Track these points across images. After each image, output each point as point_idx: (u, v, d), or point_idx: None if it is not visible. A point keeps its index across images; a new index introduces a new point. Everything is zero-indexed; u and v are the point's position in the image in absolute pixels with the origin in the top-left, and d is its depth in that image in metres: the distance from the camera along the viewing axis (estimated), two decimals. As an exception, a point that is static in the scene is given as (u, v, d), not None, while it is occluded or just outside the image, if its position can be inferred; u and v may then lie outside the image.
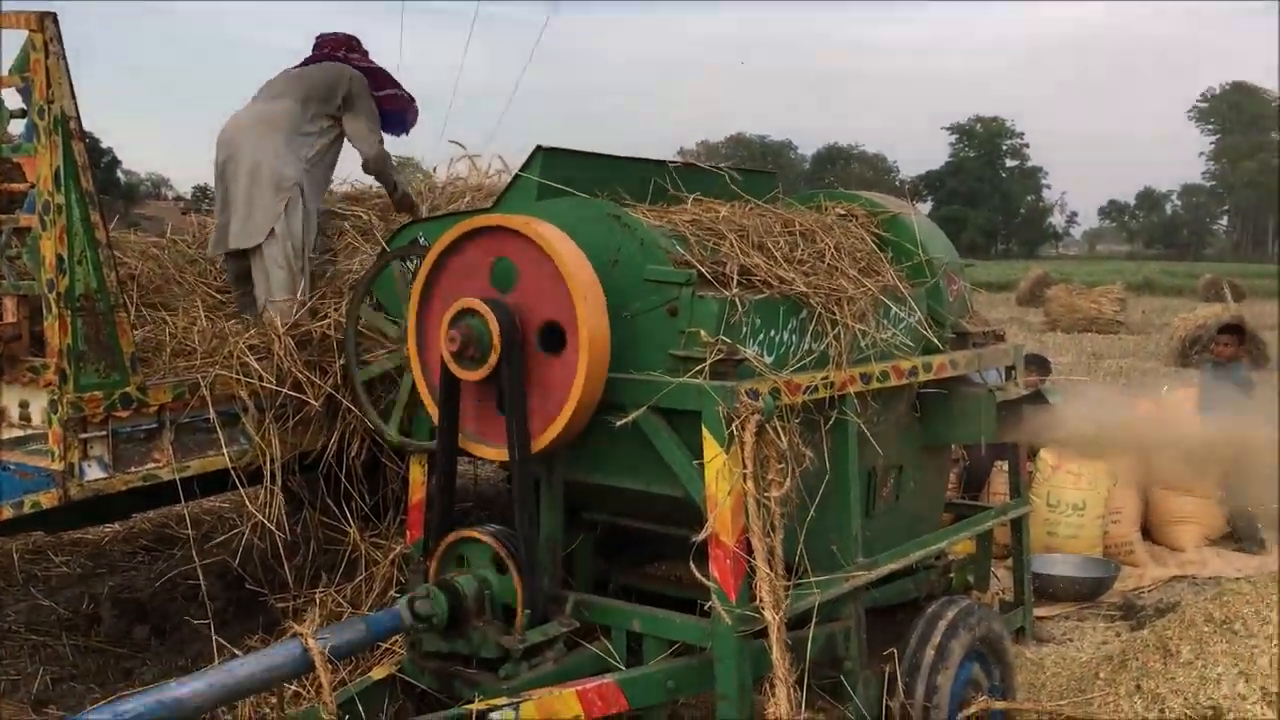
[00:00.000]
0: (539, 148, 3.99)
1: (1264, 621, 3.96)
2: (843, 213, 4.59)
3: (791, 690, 3.28)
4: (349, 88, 5.24)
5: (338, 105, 5.23)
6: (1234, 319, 10.38)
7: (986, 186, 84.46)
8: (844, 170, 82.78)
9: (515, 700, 3.22)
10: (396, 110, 5.56)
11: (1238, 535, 7.53)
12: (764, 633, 3.30)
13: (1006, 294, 33.45)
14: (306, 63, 5.45)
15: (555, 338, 3.46)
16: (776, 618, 3.27)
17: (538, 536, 3.62)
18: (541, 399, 3.48)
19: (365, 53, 5.58)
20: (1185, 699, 3.85)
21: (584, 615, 3.67)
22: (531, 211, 3.75)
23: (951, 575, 4.83)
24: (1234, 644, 3.95)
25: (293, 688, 3.82)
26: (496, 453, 3.60)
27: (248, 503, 4.35)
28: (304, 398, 4.39)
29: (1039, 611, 5.85)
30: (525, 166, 4.03)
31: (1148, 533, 7.38)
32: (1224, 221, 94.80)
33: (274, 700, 3.69)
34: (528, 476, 3.52)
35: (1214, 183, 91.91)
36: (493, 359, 3.41)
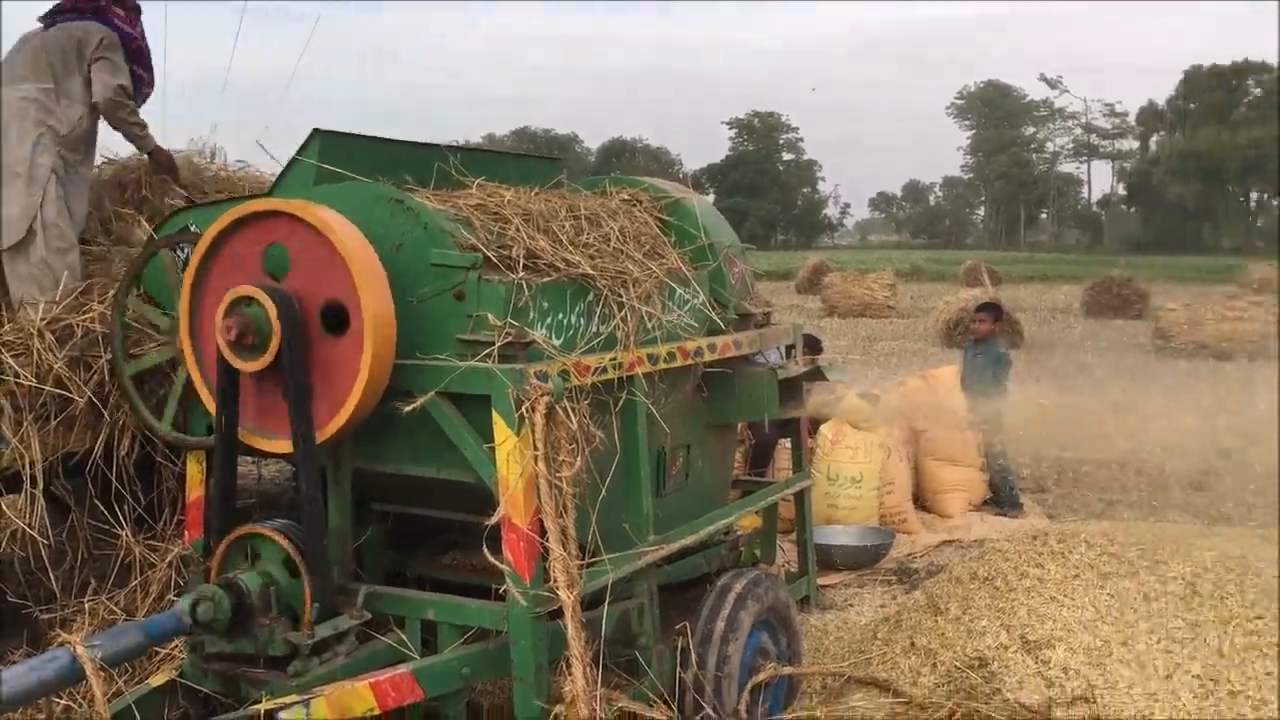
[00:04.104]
0: (315, 130, 3.88)
1: (1021, 575, 4.25)
2: (627, 198, 4.66)
3: (587, 668, 3.31)
4: (96, 48, 4.83)
5: (88, 67, 4.83)
6: (991, 299, 11.10)
7: (766, 179, 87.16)
8: (629, 163, 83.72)
9: (305, 697, 3.12)
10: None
11: (999, 501, 8.07)
12: (559, 613, 3.31)
13: (786, 282, 34.77)
14: (51, 22, 4.95)
15: (338, 317, 3.36)
16: (571, 597, 3.29)
17: (325, 528, 3.53)
18: (326, 384, 3.38)
19: (133, 9, 5.09)
20: (954, 651, 4.11)
21: (376, 607, 3.59)
22: (310, 197, 3.64)
23: (740, 549, 4.99)
24: (996, 599, 4.23)
25: (63, 701, 3.61)
26: (280, 445, 3.48)
27: (5, 509, 4.06)
28: (68, 394, 4.14)
29: (822, 580, 6.12)
30: (302, 150, 3.90)
31: (919, 501, 7.83)
32: (981, 211, 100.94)
33: (42, 716, 3.48)
34: (313, 467, 3.43)
35: (971, 175, 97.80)
36: (273, 346, 3.29)
